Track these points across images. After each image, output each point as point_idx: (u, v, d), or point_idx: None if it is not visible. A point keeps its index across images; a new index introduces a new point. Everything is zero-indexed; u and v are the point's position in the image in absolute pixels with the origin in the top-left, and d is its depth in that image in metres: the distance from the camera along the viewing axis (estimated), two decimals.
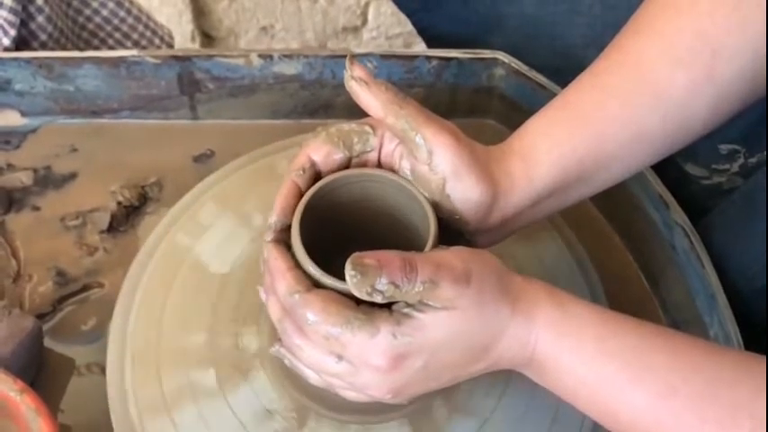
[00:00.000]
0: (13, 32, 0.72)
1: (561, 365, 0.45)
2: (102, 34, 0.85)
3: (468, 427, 0.54)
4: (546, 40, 0.77)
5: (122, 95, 0.73)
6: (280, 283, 0.46)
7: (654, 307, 0.67)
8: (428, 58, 0.72)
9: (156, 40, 0.89)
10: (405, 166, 0.50)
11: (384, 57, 0.72)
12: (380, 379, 0.44)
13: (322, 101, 0.75)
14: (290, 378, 0.54)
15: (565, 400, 0.47)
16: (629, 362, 0.44)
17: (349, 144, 0.50)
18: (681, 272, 0.64)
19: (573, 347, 0.45)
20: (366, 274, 0.42)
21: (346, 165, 0.51)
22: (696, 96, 0.50)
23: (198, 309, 0.58)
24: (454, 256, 0.45)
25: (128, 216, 0.69)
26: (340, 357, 0.44)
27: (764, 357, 0.44)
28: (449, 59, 0.73)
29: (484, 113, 0.77)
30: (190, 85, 0.72)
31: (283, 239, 0.48)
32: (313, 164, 0.50)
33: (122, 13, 0.85)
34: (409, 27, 0.87)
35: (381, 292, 0.42)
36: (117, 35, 0.86)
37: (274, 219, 0.49)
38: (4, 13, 0.72)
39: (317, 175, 0.51)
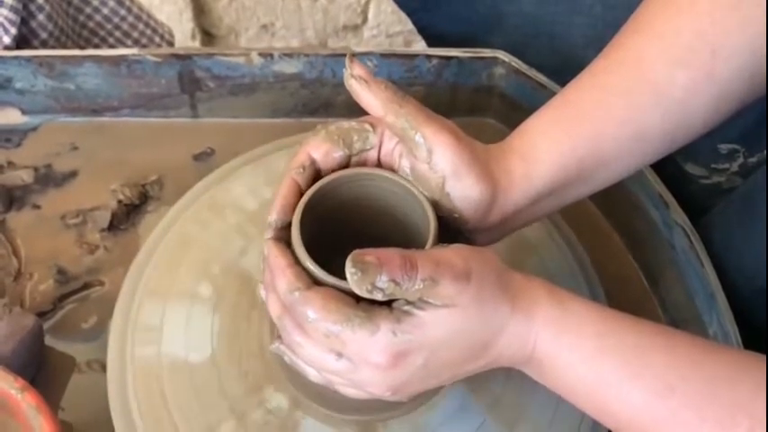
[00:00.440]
0: (13, 31, 0.72)
1: (561, 363, 0.45)
2: (102, 32, 0.85)
3: (468, 426, 0.54)
4: (546, 39, 0.77)
5: (123, 94, 0.73)
6: (280, 280, 0.46)
7: (653, 306, 0.67)
8: (428, 56, 0.73)
9: (157, 39, 0.89)
10: (404, 165, 0.50)
11: (384, 55, 0.72)
12: (380, 376, 0.44)
13: (322, 100, 0.75)
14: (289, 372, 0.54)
15: (564, 397, 0.47)
16: (628, 360, 0.44)
17: (349, 142, 0.50)
18: (680, 271, 0.64)
19: (572, 345, 0.45)
20: (367, 272, 0.42)
21: (346, 163, 0.51)
22: (696, 95, 0.51)
23: (200, 306, 0.59)
24: (454, 253, 0.45)
25: (128, 214, 0.69)
26: (340, 355, 0.45)
27: (763, 356, 0.44)
28: (449, 58, 0.73)
29: (484, 112, 0.77)
30: (190, 83, 0.72)
31: (283, 237, 0.49)
32: (313, 162, 0.50)
33: (123, 12, 0.85)
34: (410, 25, 0.87)
35: (382, 289, 0.42)
36: (117, 33, 0.86)
37: (274, 217, 0.49)
38: (5, 12, 0.72)
39: (316, 173, 0.51)
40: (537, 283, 0.47)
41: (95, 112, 0.74)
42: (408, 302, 0.44)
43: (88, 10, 0.83)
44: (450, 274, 0.43)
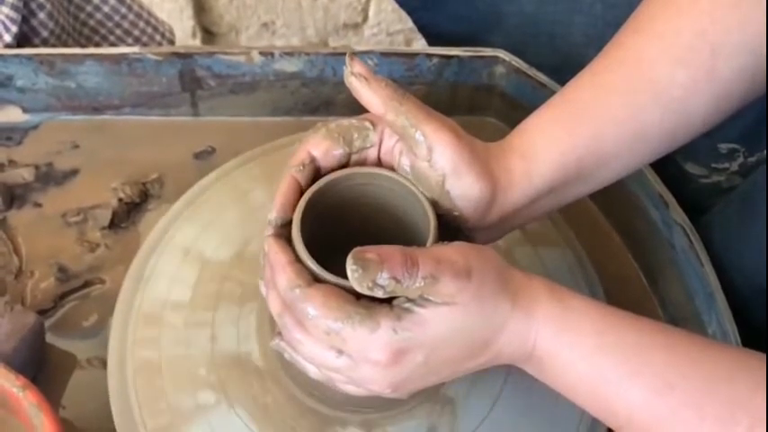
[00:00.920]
0: (14, 29, 0.72)
1: (561, 361, 0.45)
2: (103, 31, 0.85)
3: (468, 425, 0.54)
4: (546, 38, 0.77)
5: (124, 92, 0.73)
6: (280, 276, 0.46)
7: (653, 305, 0.67)
8: (429, 55, 0.73)
9: (157, 37, 0.89)
10: (404, 163, 0.50)
11: (385, 54, 0.72)
12: (380, 374, 0.44)
13: (323, 98, 0.75)
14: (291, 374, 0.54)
15: (564, 395, 0.47)
16: (628, 357, 0.44)
17: (349, 140, 0.50)
18: (680, 270, 0.64)
19: (572, 343, 0.45)
20: (367, 269, 0.42)
21: (346, 161, 0.51)
22: (696, 94, 0.51)
23: (200, 304, 0.59)
24: (455, 251, 0.45)
25: (129, 213, 0.69)
26: (340, 352, 0.45)
27: (763, 354, 0.44)
28: (449, 57, 0.73)
29: (484, 111, 0.77)
30: (191, 81, 0.72)
31: (283, 235, 0.48)
32: (313, 159, 0.50)
33: (123, 10, 0.85)
34: (410, 24, 0.87)
35: (382, 286, 0.42)
36: (118, 32, 0.86)
37: (274, 215, 0.49)
38: (6, 10, 0.72)
39: (316, 171, 0.51)
40: (537, 281, 0.47)
41: (96, 110, 0.74)
42: (409, 300, 0.44)
43: (89, 8, 0.83)
44: (450, 271, 0.43)
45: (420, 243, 0.47)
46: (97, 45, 0.85)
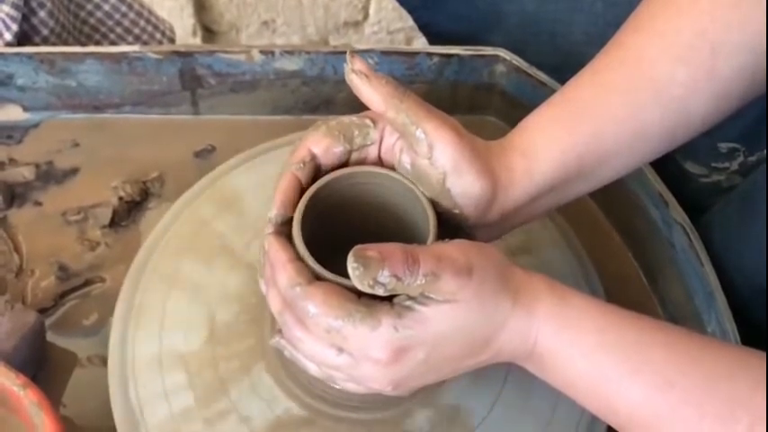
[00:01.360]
0: (14, 27, 0.72)
1: (561, 358, 0.45)
2: (103, 29, 0.85)
3: (468, 425, 0.54)
4: (547, 37, 0.77)
5: (124, 91, 0.73)
6: (281, 274, 0.46)
7: (653, 305, 0.67)
8: (429, 54, 0.73)
9: (158, 35, 0.89)
10: (405, 161, 0.50)
11: (385, 53, 0.72)
12: (381, 372, 0.44)
13: (323, 97, 0.75)
14: (291, 374, 0.54)
15: (565, 393, 0.47)
16: (628, 355, 0.44)
17: (349, 137, 0.50)
18: (680, 270, 0.64)
19: (573, 340, 0.45)
20: (368, 267, 0.42)
21: (346, 158, 0.51)
22: (696, 93, 0.51)
23: (200, 303, 0.59)
24: (456, 248, 0.45)
25: (129, 211, 0.69)
26: (341, 350, 0.45)
27: (763, 352, 0.44)
28: (450, 56, 0.73)
29: (484, 110, 0.77)
30: (191, 80, 0.72)
31: (283, 233, 0.48)
32: (313, 157, 0.50)
33: (124, 8, 0.85)
34: (411, 22, 0.87)
35: (383, 284, 0.42)
36: (118, 30, 0.86)
37: (274, 212, 0.49)
38: (6, 8, 0.72)
39: (317, 169, 0.51)
40: (538, 279, 0.47)
41: (97, 108, 0.74)
42: (410, 298, 0.44)
43: (89, 6, 0.83)
44: (451, 269, 0.43)
45: (421, 242, 0.47)
46: (98, 43, 0.85)
